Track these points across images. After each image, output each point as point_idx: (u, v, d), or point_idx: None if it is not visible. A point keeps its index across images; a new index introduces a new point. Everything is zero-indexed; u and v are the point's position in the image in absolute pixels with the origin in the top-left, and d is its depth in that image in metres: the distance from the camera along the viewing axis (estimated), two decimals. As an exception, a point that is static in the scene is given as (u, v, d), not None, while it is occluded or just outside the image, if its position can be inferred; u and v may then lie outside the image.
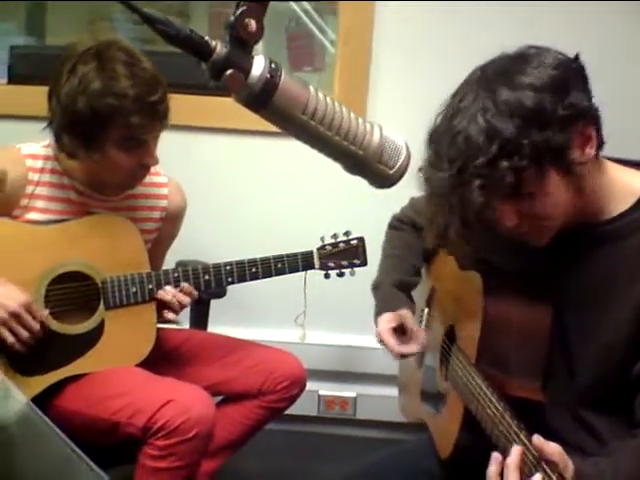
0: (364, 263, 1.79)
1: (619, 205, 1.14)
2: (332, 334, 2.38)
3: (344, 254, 1.79)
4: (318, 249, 1.76)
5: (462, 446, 1.21)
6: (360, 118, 0.74)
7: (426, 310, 1.53)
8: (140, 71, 1.47)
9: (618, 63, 2.17)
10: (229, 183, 2.33)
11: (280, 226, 2.29)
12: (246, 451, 2.07)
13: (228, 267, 1.67)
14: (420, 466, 1.31)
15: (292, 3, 3.05)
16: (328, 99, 0.72)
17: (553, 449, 0.92)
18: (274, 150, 2.20)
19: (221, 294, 1.92)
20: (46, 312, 1.52)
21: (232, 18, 0.64)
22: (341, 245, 1.79)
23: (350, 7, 2.29)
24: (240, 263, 1.68)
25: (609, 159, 1.18)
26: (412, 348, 1.40)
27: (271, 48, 2.85)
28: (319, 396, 2.47)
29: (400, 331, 1.42)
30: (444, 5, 2.18)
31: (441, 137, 1.09)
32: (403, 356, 1.42)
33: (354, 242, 1.80)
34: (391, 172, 0.76)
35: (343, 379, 2.47)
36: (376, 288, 1.54)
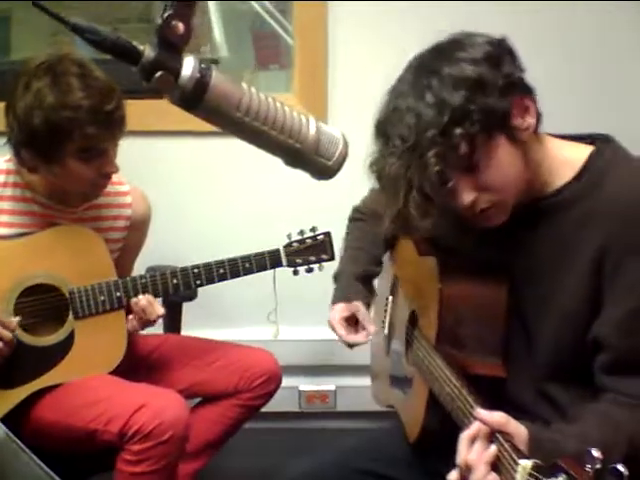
0: (332, 258, 1.82)
1: (561, 178, 1.18)
2: (306, 329, 2.40)
3: (312, 250, 1.82)
4: (285, 246, 1.79)
5: (429, 428, 1.24)
6: (295, 112, 0.76)
7: (390, 298, 1.56)
8: (93, 81, 1.49)
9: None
10: (192, 186, 2.35)
11: (247, 226, 2.31)
12: (232, 451, 2.09)
13: (196, 270, 1.69)
14: (389, 452, 1.34)
15: (254, 4, 3.08)
16: (262, 95, 0.74)
17: (499, 419, 0.95)
18: (234, 150, 2.20)
19: (192, 297, 1.94)
20: (16, 319, 1.53)
21: (159, 20, 0.66)
22: (308, 241, 1.82)
23: (303, 6, 2.33)
24: (207, 265, 1.70)
25: (548, 134, 1.21)
26: (359, 338, 1.45)
27: (238, 47, 2.88)
28: (299, 391, 2.51)
29: (352, 321, 1.46)
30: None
31: (388, 123, 1.13)
32: (350, 345, 1.47)
33: (321, 237, 1.82)
34: (329, 163, 0.78)
35: (321, 373, 2.50)
36: (336, 278, 1.57)
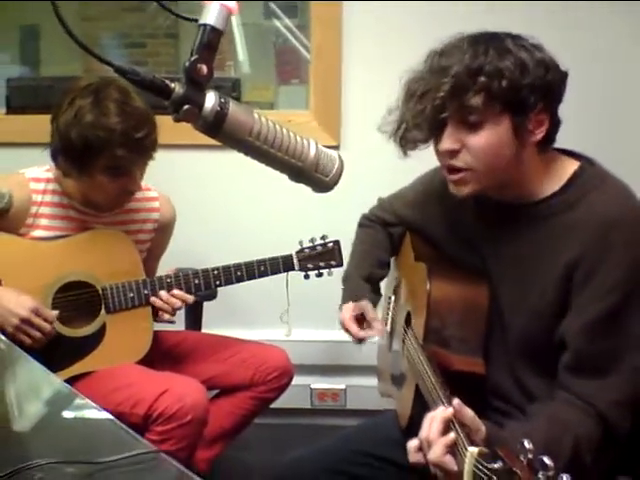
0: (340, 264, 1.95)
1: (551, 186, 1.28)
2: (319, 330, 2.53)
3: (321, 256, 1.96)
4: (297, 252, 1.93)
5: (416, 417, 1.33)
6: (298, 136, 0.92)
7: (393, 298, 1.70)
8: (130, 109, 1.64)
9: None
10: (214, 196, 2.50)
11: (263, 233, 2.46)
12: (247, 444, 2.24)
13: (215, 271, 1.84)
14: (389, 435, 1.47)
15: (276, 22, 3.23)
16: (270, 122, 0.89)
17: (466, 413, 1.06)
18: (254, 164, 2.38)
19: (212, 297, 2.10)
20: (54, 313, 1.69)
21: (187, 64, 0.83)
22: (318, 248, 1.96)
23: (320, 26, 2.46)
24: (226, 267, 1.85)
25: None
26: (369, 333, 1.53)
27: (261, 63, 3.01)
28: (311, 389, 2.64)
29: (361, 320, 1.56)
30: (409, 20, 2.36)
31: (443, 54, 1.25)
32: (361, 340, 1.56)
33: (330, 245, 1.97)
34: (327, 179, 0.93)
35: (333, 372, 2.63)
36: (345, 280, 1.68)
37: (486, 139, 1.22)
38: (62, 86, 1.75)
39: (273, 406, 2.18)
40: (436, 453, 1.04)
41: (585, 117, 2.29)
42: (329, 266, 1.97)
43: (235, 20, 3.24)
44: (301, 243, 1.95)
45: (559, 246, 1.25)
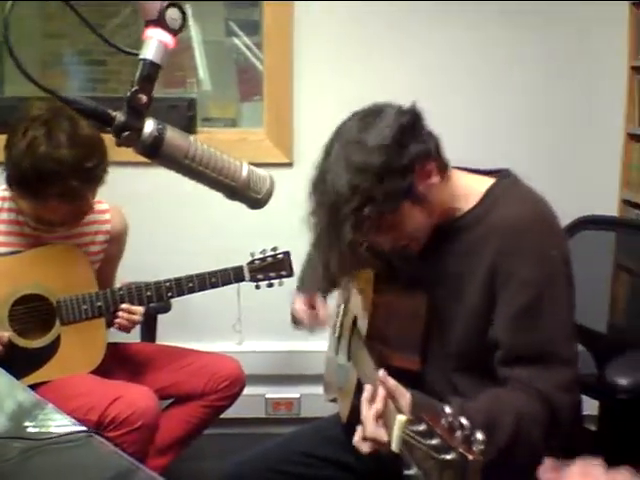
0: (291, 274, 2.03)
1: (467, 204, 1.40)
2: (273, 341, 2.62)
3: (272, 267, 2.05)
4: (248, 264, 2.01)
5: (356, 409, 1.36)
6: (231, 158, 1.01)
7: (342, 306, 1.78)
8: (81, 139, 1.69)
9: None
10: (166, 210, 2.57)
11: (215, 245, 2.52)
12: (202, 453, 2.29)
13: (167, 283, 1.91)
14: (329, 435, 1.56)
15: (236, 40, 3.31)
16: (204, 145, 0.98)
17: (390, 381, 1.15)
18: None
19: (167, 309, 2.17)
20: (7, 334, 1.74)
21: (128, 94, 0.91)
22: (269, 259, 2.04)
23: (271, 46, 2.56)
24: (178, 279, 1.92)
25: (458, 168, 1.44)
26: (320, 323, 1.66)
27: (224, 80, 3.08)
28: (266, 399, 2.72)
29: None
30: (361, 39, 2.49)
31: (317, 189, 1.36)
32: (312, 329, 1.67)
33: (280, 256, 2.05)
34: (259, 196, 1.03)
35: (287, 382, 2.71)
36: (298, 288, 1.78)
37: (405, 226, 1.35)
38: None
39: (229, 416, 2.25)
40: (369, 429, 1.12)
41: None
42: (280, 276, 2.05)
43: (196, 38, 3.32)
44: (252, 254, 2.03)
45: (479, 255, 1.36)
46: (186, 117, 2.57)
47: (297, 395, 2.72)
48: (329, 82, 2.53)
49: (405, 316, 1.46)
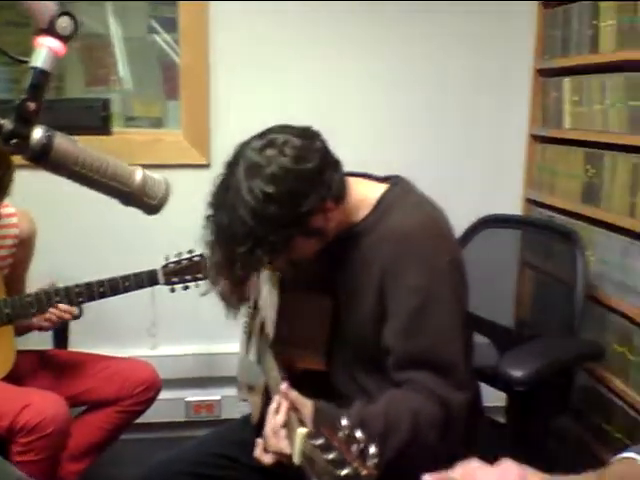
0: (206, 277, 2.03)
1: (362, 212, 1.44)
2: (191, 345, 2.60)
3: (188, 270, 2.04)
4: (162, 267, 2.00)
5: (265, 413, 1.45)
6: (124, 163, 1.01)
7: (252, 304, 1.77)
8: None
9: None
10: (78, 213, 2.48)
11: (130, 248, 2.48)
12: (122, 459, 2.26)
13: (77, 288, 1.88)
14: (242, 437, 1.55)
15: (158, 38, 3.26)
16: (95, 152, 0.98)
17: (291, 393, 1.18)
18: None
19: (78, 315, 2.13)
20: None
21: (17, 102, 0.91)
22: (184, 262, 2.03)
23: (187, 45, 2.53)
24: (89, 284, 1.90)
25: (351, 174, 1.47)
26: None
27: (150, 78, 3.03)
28: (186, 402, 2.69)
29: None
30: (278, 38, 2.49)
31: (214, 217, 1.36)
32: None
33: (196, 259, 2.04)
34: (155, 202, 1.03)
35: (207, 384, 2.68)
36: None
37: (299, 254, 1.38)
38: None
39: (150, 420, 2.24)
40: (271, 442, 1.15)
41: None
42: (196, 279, 2.04)
43: (116, 35, 3.26)
44: (167, 258, 2.02)
45: (372, 262, 1.40)
46: (100, 117, 2.53)
47: (218, 397, 2.70)
48: (247, 82, 2.53)
49: (310, 318, 1.48)
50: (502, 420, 1.92)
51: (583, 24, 2.17)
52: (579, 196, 2.16)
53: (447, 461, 1.33)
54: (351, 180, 1.46)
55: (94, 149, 0.98)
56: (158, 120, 2.98)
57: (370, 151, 2.44)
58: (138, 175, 1.01)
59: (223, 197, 1.34)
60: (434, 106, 2.60)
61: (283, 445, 1.14)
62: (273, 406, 1.20)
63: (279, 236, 1.30)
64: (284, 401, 1.18)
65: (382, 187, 1.47)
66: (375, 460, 0.84)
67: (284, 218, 1.30)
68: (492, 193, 2.55)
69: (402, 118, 2.60)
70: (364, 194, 1.46)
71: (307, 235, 1.36)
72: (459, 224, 2.08)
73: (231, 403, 2.67)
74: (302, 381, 1.36)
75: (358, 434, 0.87)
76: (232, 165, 1.35)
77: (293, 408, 1.16)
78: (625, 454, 1.03)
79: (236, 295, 1.44)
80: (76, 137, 1.00)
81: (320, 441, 0.90)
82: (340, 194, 1.38)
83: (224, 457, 1.57)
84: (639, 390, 1.86)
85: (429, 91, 2.59)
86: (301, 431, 1.01)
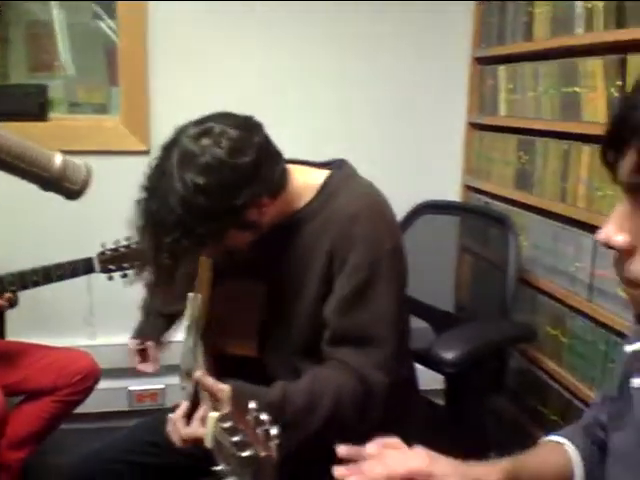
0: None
1: (304, 198, 1.44)
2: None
3: (125, 257, 2.00)
4: (99, 254, 1.96)
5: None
6: (43, 149, 0.99)
7: (191, 296, 1.79)
8: None
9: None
10: (11, 201, 2.41)
11: (66, 235, 2.45)
12: (64, 448, 2.22)
13: (10, 277, 1.85)
14: (147, 439, 1.56)
15: (102, 23, 3.21)
16: (15, 137, 0.97)
17: (206, 380, 1.19)
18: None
19: (14, 304, 2.09)
20: None
21: None
22: (121, 249, 2.00)
23: (125, 30, 2.51)
24: (21, 273, 1.85)
25: (293, 161, 1.47)
26: (147, 368, 1.75)
27: (94, 64, 2.98)
28: (129, 391, 2.67)
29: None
30: (215, 25, 2.47)
31: (145, 201, 1.33)
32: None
33: (134, 246, 2.00)
34: (76, 187, 1.02)
35: (150, 373, 2.67)
36: (142, 308, 1.78)
37: (231, 244, 1.38)
38: None
39: (92, 410, 2.22)
40: (186, 430, 1.16)
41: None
42: (134, 267, 2.02)
43: (60, 20, 3.20)
44: (103, 245, 1.99)
45: (318, 246, 1.41)
46: (38, 104, 2.50)
47: (161, 386, 2.68)
48: (186, 68, 2.51)
49: (242, 304, 1.48)
50: (442, 402, 1.95)
51: (519, 12, 2.21)
52: (513, 182, 2.20)
53: (372, 439, 1.38)
54: (291, 168, 1.46)
55: (13, 135, 0.96)
56: (102, 106, 2.94)
57: (308, 140, 2.43)
58: (57, 160, 1.00)
59: (155, 183, 1.31)
60: (373, 95, 2.61)
61: (198, 431, 1.16)
62: (186, 391, 1.21)
63: (208, 228, 1.28)
64: (200, 387, 1.18)
65: (325, 172, 1.47)
66: (276, 441, 0.86)
67: (214, 211, 1.28)
68: (433, 180, 2.59)
69: (340, 107, 2.61)
70: (306, 181, 1.46)
71: (240, 228, 1.35)
72: (400, 210, 2.13)
73: (175, 391, 2.66)
74: (235, 367, 1.39)
75: (263, 417, 0.89)
76: (167, 150, 1.32)
77: (209, 393, 1.16)
78: (552, 437, 1.07)
79: (163, 284, 1.42)
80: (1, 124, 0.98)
81: (228, 424, 0.92)
82: (279, 188, 1.38)
83: (154, 445, 1.56)
84: (573, 372, 1.91)
85: (368, 80, 2.60)
86: (212, 415, 1.03)
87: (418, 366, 1.67)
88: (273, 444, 0.88)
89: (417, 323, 2.05)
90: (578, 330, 1.87)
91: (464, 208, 2.29)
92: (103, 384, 2.28)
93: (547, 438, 1.08)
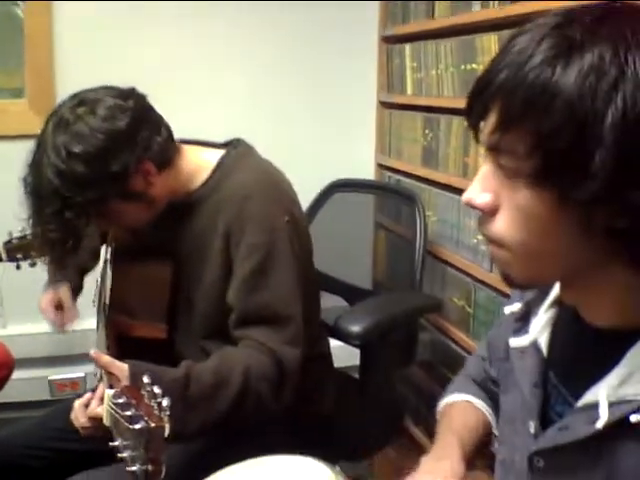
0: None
1: (199, 179, 1.44)
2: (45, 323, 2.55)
3: (33, 246, 1.98)
4: (5, 243, 1.93)
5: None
6: None
7: (99, 280, 1.77)
8: None
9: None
10: None
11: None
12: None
13: None
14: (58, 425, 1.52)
15: (16, 7, 3.12)
16: None
17: (104, 360, 1.19)
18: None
19: None
20: None
21: None
22: (29, 237, 1.96)
23: (30, 14, 2.46)
24: None
25: (188, 141, 1.48)
26: (64, 320, 1.67)
27: (8, 48, 2.90)
28: (49, 381, 2.63)
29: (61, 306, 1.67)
30: (123, 5, 2.44)
31: (27, 175, 1.32)
32: (62, 328, 1.67)
33: (42, 233, 2.00)
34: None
35: (70, 362, 2.63)
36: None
37: (121, 219, 1.39)
38: None
39: (14, 400, 2.18)
40: (87, 411, 1.17)
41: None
42: (42, 255, 1.99)
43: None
44: (10, 234, 1.95)
45: (214, 225, 1.41)
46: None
47: (82, 374, 2.65)
48: (93, 47, 2.45)
49: (148, 285, 1.48)
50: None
51: (422, -10, 2.25)
52: (421, 159, 2.26)
53: (288, 415, 1.40)
54: (186, 148, 1.46)
55: None
56: (19, 90, 2.88)
57: (216, 119, 2.43)
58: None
59: (33, 156, 1.31)
60: (284, 74, 2.62)
61: (98, 410, 1.16)
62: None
63: (87, 197, 1.27)
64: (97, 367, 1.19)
65: (220, 152, 1.48)
66: (167, 412, 0.87)
67: (91, 178, 1.27)
68: (349, 159, 2.61)
69: (249, 89, 2.61)
70: (201, 161, 1.46)
71: (125, 198, 1.34)
72: (317, 189, 2.16)
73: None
74: (145, 351, 1.38)
75: (156, 390, 0.91)
76: (46, 123, 1.32)
77: (108, 372, 1.17)
78: (458, 397, 1.11)
79: (58, 258, 1.40)
80: None
81: (122, 400, 0.93)
82: (163, 158, 1.37)
83: (70, 431, 1.52)
84: (478, 340, 1.97)
85: (278, 60, 2.60)
86: (108, 392, 1.04)
87: (340, 343, 1.70)
88: (164, 415, 0.89)
89: (336, 301, 2.09)
90: (482, 300, 1.94)
91: (375, 186, 2.33)
92: (23, 374, 2.29)
93: (454, 399, 1.12)
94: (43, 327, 2.49)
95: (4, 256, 1.93)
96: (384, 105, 2.60)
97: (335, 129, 2.66)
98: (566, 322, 0.82)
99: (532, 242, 0.71)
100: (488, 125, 0.71)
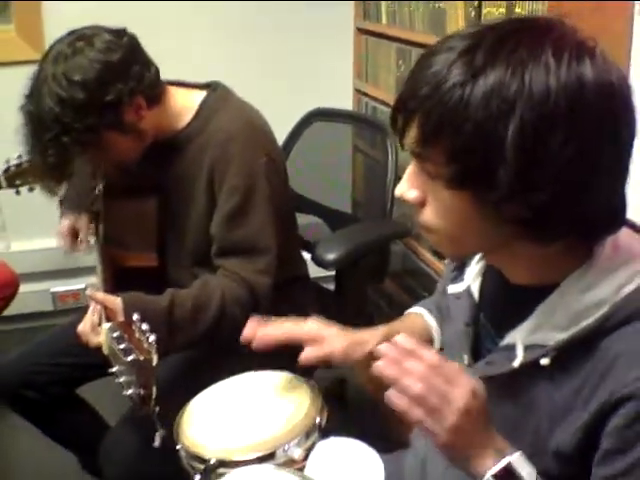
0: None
1: (183, 120, 1.56)
2: (47, 239, 2.67)
3: (30, 171, 2.08)
4: (3, 171, 2.04)
5: None
6: None
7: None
8: None
9: None
10: None
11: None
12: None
13: None
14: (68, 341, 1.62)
15: None
16: None
17: (102, 296, 1.33)
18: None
19: None
20: None
21: None
22: (25, 164, 2.07)
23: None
24: None
25: (170, 82, 1.57)
26: (78, 248, 1.81)
27: None
28: (51, 293, 2.82)
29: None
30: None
31: (26, 102, 1.43)
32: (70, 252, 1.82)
33: (33, 161, 2.10)
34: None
35: (71, 275, 2.81)
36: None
37: (113, 154, 1.49)
38: None
39: (18, 312, 2.36)
40: (90, 338, 1.31)
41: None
42: (40, 179, 2.10)
43: None
44: (7, 161, 2.04)
45: (200, 163, 1.55)
46: None
47: (82, 285, 2.80)
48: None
49: (136, 218, 1.62)
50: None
51: None
52: (394, 89, 2.34)
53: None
54: (170, 88, 1.57)
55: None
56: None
57: (193, 55, 2.52)
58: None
59: (33, 86, 1.43)
60: (265, 9, 2.67)
61: (98, 340, 1.29)
62: (91, 306, 1.35)
63: (85, 123, 1.39)
64: (93, 302, 1.32)
65: (202, 94, 1.58)
66: (154, 347, 1.04)
67: (89, 105, 1.39)
68: (327, 84, 2.68)
69: (224, 21, 2.65)
70: (184, 102, 1.57)
71: (119, 130, 1.45)
72: (299, 113, 2.24)
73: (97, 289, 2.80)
74: (139, 279, 1.54)
75: (144, 326, 1.06)
76: (44, 56, 1.44)
77: (103, 306, 1.29)
78: (414, 309, 1.26)
79: (56, 184, 1.54)
80: None
81: (116, 334, 1.09)
82: (153, 94, 1.48)
83: (80, 345, 1.69)
84: (444, 261, 2.14)
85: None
86: (105, 326, 1.18)
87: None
88: (152, 349, 1.06)
89: (314, 220, 2.23)
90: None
91: (351, 116, 2.42)
92: (27, 287, 2.42)
93: (410, 310, 1.27)
94: (44, 243, 2.68)
95: (4, 184, 2.05)
96: (361, 31, 2.65)
97: (314, 55, 2.71)
98: (493, 274, 0.97)
99: (454, 229, 0.85)
100: (410, 136, 0.82)
